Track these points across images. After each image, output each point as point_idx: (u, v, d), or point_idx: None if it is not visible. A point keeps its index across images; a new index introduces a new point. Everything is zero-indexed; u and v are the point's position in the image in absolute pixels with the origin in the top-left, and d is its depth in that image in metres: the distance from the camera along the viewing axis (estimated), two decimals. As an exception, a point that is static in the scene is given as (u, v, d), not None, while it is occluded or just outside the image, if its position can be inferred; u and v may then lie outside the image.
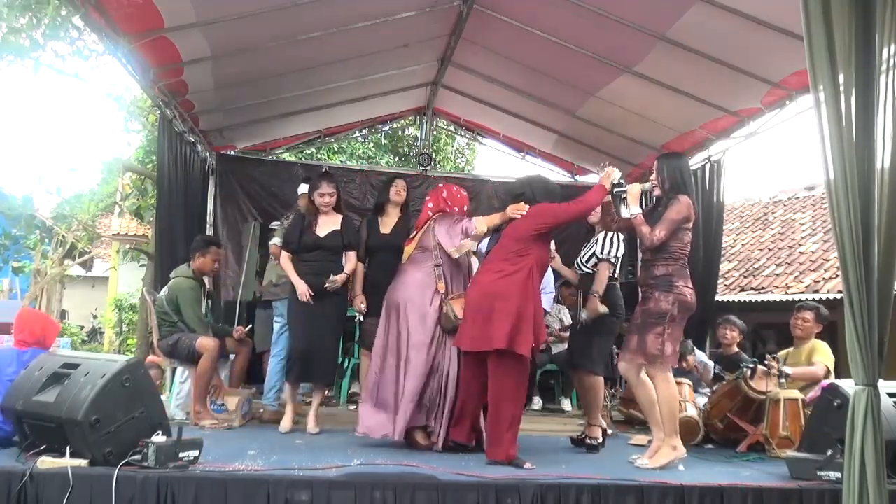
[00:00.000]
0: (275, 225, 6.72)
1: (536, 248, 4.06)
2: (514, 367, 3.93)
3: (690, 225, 4.05)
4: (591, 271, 4.74)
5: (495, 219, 4.31)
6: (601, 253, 4.65)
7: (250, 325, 5.85)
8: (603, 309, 4.52)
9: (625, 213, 4.12)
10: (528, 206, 4.17)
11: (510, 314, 3.87)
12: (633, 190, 4.09)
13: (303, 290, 4.64)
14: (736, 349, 5.90)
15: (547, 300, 5.19)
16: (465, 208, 4.60)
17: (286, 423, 4.71)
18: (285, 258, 4.83)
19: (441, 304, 4.29)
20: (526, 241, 4.03)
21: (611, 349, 4.73)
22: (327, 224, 4.84)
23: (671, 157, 4.35)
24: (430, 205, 4.60)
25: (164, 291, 5.23)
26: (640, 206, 4.08)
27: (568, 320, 7.01)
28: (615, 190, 4.18)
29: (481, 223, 4.39)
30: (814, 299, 8.45)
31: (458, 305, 4.22)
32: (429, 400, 4.22)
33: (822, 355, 4.97)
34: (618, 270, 4.77)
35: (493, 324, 3.88)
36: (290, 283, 4.79)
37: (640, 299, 4.13)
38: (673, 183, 4.07)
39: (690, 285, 4.02)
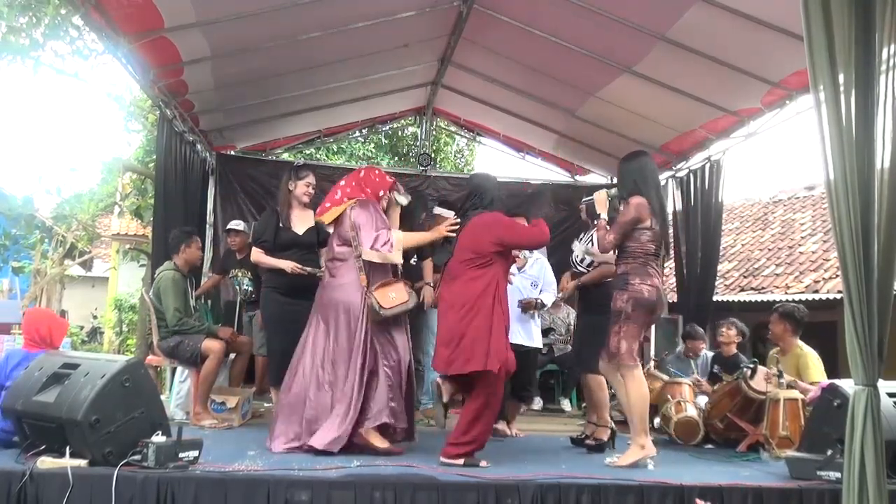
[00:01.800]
0: (236, 224, 6.65)
1: (500, 259, 3.95)
2: (492, 384, 3.84)
3: (648, 224, 4.00)
4: (586, 270, 4.78)
5: (421, 238, 4.06)
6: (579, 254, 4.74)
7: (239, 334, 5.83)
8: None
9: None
10: (456, 220, 4.07)
11: (480, 334, 3.78)
12: (600, 197, 4.20)
13: (290, 265, 4.52)
14: (735, 350, 5.89)
15: (549, 298, 5.20)
16: (382, 193, 4.30)
17: None
18: (258, 253, 4.67)
19: (365, 297, 4.05)
20: (487, 254, 3.90)
21: None
22: (302, 221, 4.71)
23: (627, 159, 4.28)
24: (343, 185, 4.26)
25: (152, 287, 5.21)
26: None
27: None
28: (583, 200, 4.26)
29: (399, 246, 4.08)
30: (814, 299, 8.51)
31: (382, 294, 4.02)
32: (379, 400, 4.00)
33: (815, 374, 4.86)
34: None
35: (467, 345, 3.80)
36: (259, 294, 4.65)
37: None
38: (628, 187, 4.14)
39: (651, 282, 3.96)
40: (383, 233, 4.08)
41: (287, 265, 4.55)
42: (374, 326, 4.07)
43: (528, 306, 5.08)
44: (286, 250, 4.63)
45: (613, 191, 4.26)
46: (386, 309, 4.01)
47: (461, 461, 3.67)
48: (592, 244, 4.68)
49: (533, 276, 5.18)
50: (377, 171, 4.40)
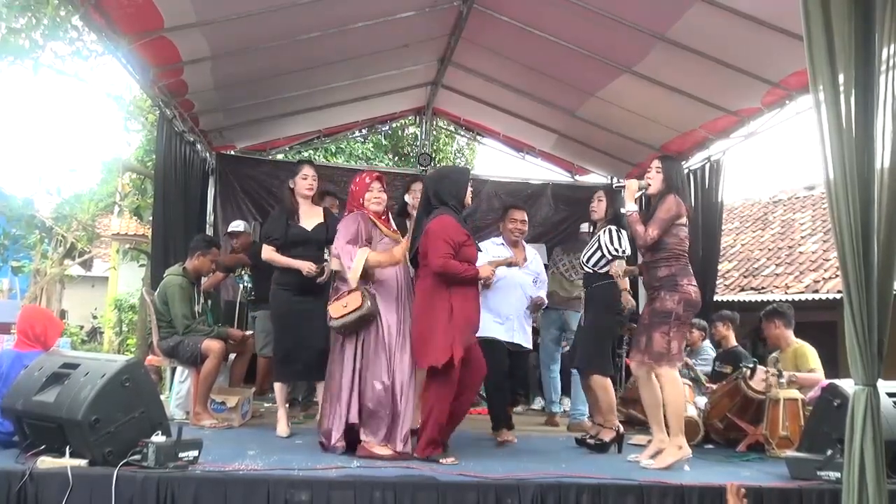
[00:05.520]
0: (236, 227, 6.60)
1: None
2: (439, 380, 3.90)
3: (684, 221, 4.09)
4: (592, 271, 4.72)
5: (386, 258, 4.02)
6: (609, 252, 4.64)
7: (251, 332, 5.85)
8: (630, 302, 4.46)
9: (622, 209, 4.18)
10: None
11: (427, 329, 3.89)
12: (631, 186, 4.17)
13: (307, 266, 4.47)
14: (733, 343, 5.90)
15: (543, 293, 5.16)
16: (360, 200, 4.18)
17: (283, 427, 4.54)
18: (270, 251, 4.63)
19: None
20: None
21: (612, 348, 4.72)
22: (311, 216, 4.69)
23: (672, 159, 4.47)
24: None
25: (157, 290, 5.22)
26: (639, 204, 4.13)
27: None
28: (615, 186, 4.23)
29: (357, 268, 3.95)
30: (814, 299, 8.51)
31: (335, 306, 3.99)
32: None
33: (812, 361, 4.93)
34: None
35: (420, 341, 3.94)
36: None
37: (647, 301, 4.18)
38: (669, 184, 4.13)
39: (694, 283, 4.08)
40: (351, 249, 4.02)
41: (303, 266, 4.50)
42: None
43: (539, 307, 5.04)
44: (297, 246, 4.60)
45: (644, 182, 4.20)
46: (334, 319, 3.97)
47: (425, 456, 3.79)
48: (618, 240, 4.65)
49: (535, 272, 5.09)
50: (355, 179, 4.32)
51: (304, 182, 4.69)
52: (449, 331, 3.85)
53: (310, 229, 4.65)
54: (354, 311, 3.91)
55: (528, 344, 5.06)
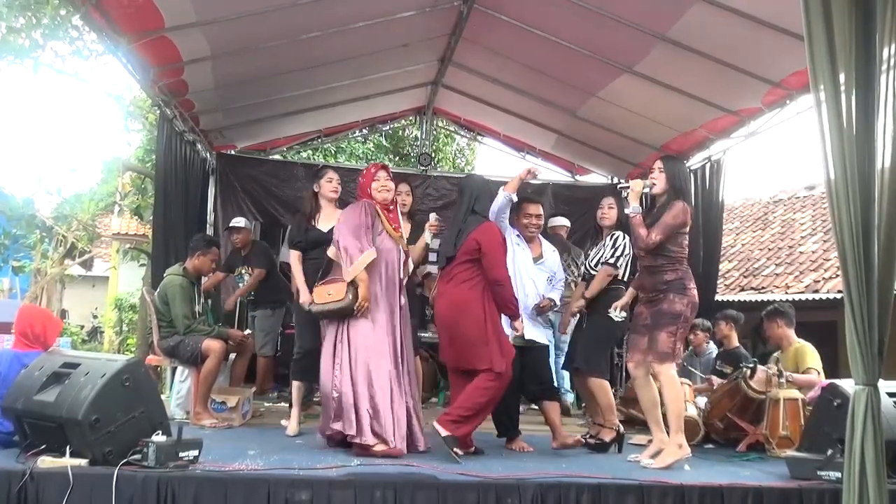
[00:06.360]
0: (237, 222, 6.62)
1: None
2: (497, 382, 4.00)
3: (687, 230, 4.11)
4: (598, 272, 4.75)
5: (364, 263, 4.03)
6: (610, 257, 4.66)
7: (249, 332, 5.85)
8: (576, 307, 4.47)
9: (625, 209, 4.17)
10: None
11: (484, 333, 3.97)
12: (636, 187, 4.17)
13: (305, 298, 4.43)
14: (735, 343, 5.90)
15: (558, 295, 5.06)
16: (368, 190, 4.24)
17: (294, 426, 4.56)
18: (295, 258, 4.68)
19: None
20: (476, 258, 4.07)
21: (611, 352, 4.71)
22: (328, 219, 4.69)
23: (675, 160, 4.46)
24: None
25: (158, 290, 5.22)
26: (641, 204, 4.13)
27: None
28: (619, 186, 4.22)
29: (358, 267, 3.99)
30: (814, 299, 8.50)
31: (320, 291, 4.13)
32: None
33: (811, 361, 4.93)
34: (627, 274, 4.74)
35: (474, 343, 4.00)
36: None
37: (644, 302, 4.18)
38: (673, 185, 4.12)
39: (695, 286, 4.11)
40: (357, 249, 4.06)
41: (302, 296, 4.48)
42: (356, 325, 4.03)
43: (544, 309, 4.80)
44: (315, 248, 4.62)
45: (649, 181, 4.17)
46: (315, 304, 4.11)
47: (447, 433, 3.84)
48: (621, 249, 4.66)
49: (550, 269, 4.89)
50: (363, 172, 4.44)
51: (330, 185, 4.74)
52: (502, 333, 4.07)
53: (325, 231, 4.63)
54: (336, 301, 4.01)
55: (543, 339, 4.76)
